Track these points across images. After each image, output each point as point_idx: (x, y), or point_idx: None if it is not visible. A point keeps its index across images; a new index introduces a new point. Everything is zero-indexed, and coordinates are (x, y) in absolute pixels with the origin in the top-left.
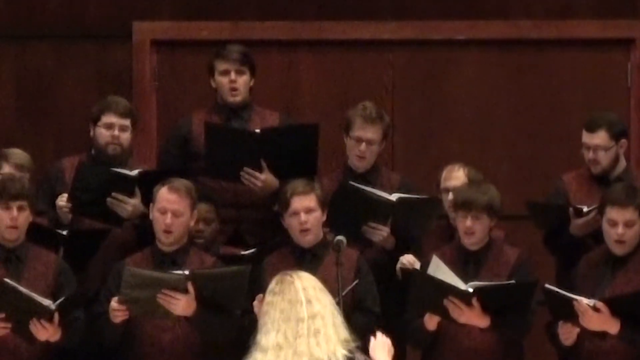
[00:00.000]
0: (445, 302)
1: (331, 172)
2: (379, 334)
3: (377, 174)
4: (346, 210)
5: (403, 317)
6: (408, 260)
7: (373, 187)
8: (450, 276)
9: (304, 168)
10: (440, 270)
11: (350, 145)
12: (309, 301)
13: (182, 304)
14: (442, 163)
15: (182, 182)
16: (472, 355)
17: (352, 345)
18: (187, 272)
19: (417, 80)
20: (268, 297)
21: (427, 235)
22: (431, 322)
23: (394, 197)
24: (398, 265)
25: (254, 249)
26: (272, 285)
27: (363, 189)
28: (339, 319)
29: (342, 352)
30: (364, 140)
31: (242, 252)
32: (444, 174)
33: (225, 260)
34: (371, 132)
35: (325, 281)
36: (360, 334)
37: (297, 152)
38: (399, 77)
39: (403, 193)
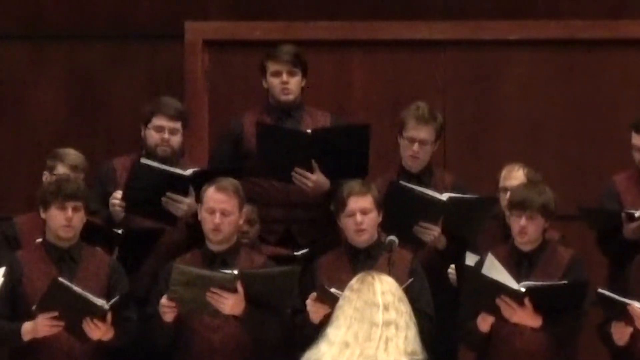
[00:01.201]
0: (498, 301)
1: (384, 172)
2: None
3: (431, 174)
4: (397, 210)
5: (456, 318)
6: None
7: (426, 188)
8: (504, 275)
9: (355, 169)
10: (495, 269)
11: (404, 146)
12: (386, 308)
13: (230, 303)
14: (494, 163)
15: (229, 181)
16: (524, 356)
17: (418, 358)
18: (236, 272)
19: (468, 81)
20: (346, 292)
21: (483, 235)
22: (484, 323)
23: (444, 196)
24: (449, 270)
25: (307, 250)
26: (353, 281)
27: (413, 189)
28: (412, 331)
29: None
30: (417, 141)
31: (295, 253)
32: (503, 173)
33: (276, 260)
34: (424, 132)
35: None
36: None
37: (349, 153)
38: (451, 77)
39: (456, 193)
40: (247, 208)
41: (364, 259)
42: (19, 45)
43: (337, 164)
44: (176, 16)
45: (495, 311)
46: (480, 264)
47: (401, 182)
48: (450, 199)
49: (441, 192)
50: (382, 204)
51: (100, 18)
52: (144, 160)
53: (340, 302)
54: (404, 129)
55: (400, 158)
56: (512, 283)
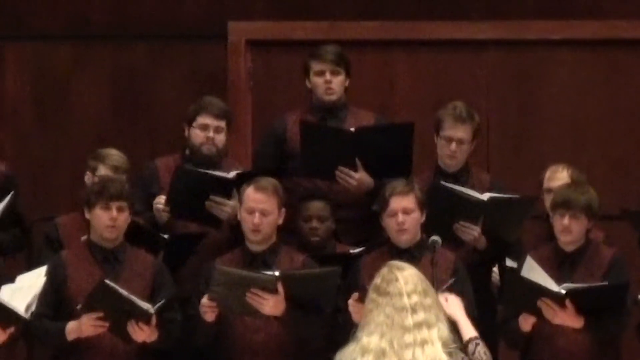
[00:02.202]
0: (539, 303)
1: (422, 172)
2: (451, 295)
3: (468, 174)
4: (437, 209)
5: (497, 318)
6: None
7: (464, 187)
8: (543, 277)
9: (398, 167)
10: (534, 271)
11: (441, 145)
12: (414, 310)
13: (271, 304)
14: (537, 163)
15: (268, 181)
16: (567, 356)
17: (452, 346)
18: (277, 273)
19: (511, 80)
20: (372, 294)
21: (527, 236)
22: (526, 323)
23: (485, 196)
24: (494, 270)
25: (363, 248)
26: (378, 280)
27: (454, 188)
28: (443, 322)
29: (444, 358)
30: (454, 140)
31: (352, 251)
32: (548, 174)
33: (317, 259)
34: (461, 132)
35: None
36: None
37: (392, 151)
38: (493, 77)
39: (494, 193)
40: (318, 204)
41: (406, 259)
42: (63, 46)
43: (381, 162)
44: (219, 16)
45: (536, 312)
46: (522, 264)
47: (442, 182)
48: (490, 199)
49: (479, 192)
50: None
51: (143, 18)
52: (186, 166)
53: (370, 305)
54: (441, 128)
55: (436, 157)
56: (552, 285)
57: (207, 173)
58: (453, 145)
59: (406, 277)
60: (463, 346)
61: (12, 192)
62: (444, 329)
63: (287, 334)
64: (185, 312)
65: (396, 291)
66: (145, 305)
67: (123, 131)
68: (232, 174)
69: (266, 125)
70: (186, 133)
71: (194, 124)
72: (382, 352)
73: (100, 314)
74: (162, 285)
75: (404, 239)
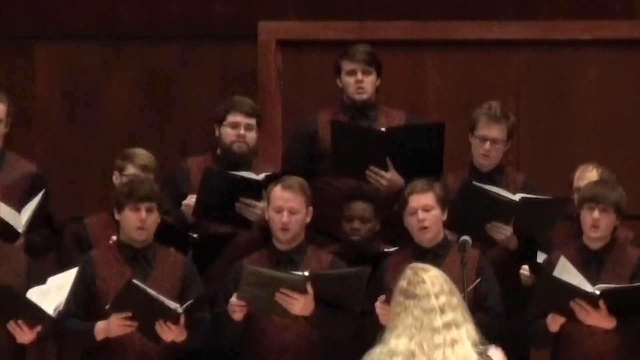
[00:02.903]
0: (572, 303)
1: (456, 171)
2: (497, 350)
3: (502, 173)
4: (469, 209)
5: (525, 316)
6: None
7: (497, 187)
8: (577, 278)
9: (430, 167)
10: (567, 272)
11: (476, 144)
12: (442, 310)
13: (300, 304)
14: (567, 163)
15: (295, 180)
16: (595, 357)
17: (481, 347)
18: (306, 273)
19: (542, 81)
20: (399, 297)
21: (555, 235)
22: (554, 323)
23: (517, 197)
24: (522, 270)
25: (397, 247)
26: (404, 284)
27: (486, 189)
28: (469, 321)
29: (474, 357)
30: (489, 139)
31: (386, 250)
32: (577, 173)
33: (343, 258)
34: (496, 131)
35: None
36: (483, 333)
37: (423, 151)
38: (524, 77)
39: (527, 193)
40: (362, 205)
41: (430, 259)
42: (92, 46)
43: (412, 162)
44: (249, 16)
45: (567, 313)
46: (548, 263)
47: (474, 182)
48: (522, 199)
49: (512, 192)
50: (448, 202)
51: (173, 18)
52: (215, 168)
53: (397, 308)
54: (476, 127)
55: (471, 157)
56: (586, 286)
57: (236, 175)
58: (487, 145)
59: (432, 278)
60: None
61: (42, 192)
62: (471, 329)
63: (316, 333)
64: (213, 311)
65: (423, 293)
66: (174, 305)
67: (153, 131)
68: (261, 176)
69: (296, 125)
70: (217, 133)
71: (225, 123)
72: (412, 354)
73: (129, 314)
74: (191, 284)
75: (426, 238)
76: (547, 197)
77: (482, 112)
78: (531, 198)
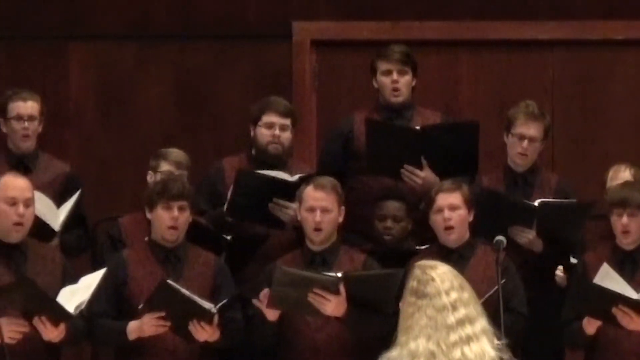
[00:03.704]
0: (615, 310)
1: (490, 172)
2: None
3: (537, 174)
4: (491, 213)
5: (560, 318)
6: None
7: (532, 189)
8: (620, 284)
9: (464, 166)
10: (610, 278)
11: (512, 143)
12: (454, 307)
13: (332, 305)
14: (602, 163)
15: (327, 179)
16: (632, 357)
17: (498, 342)
18: (339, 275)
19: (576, 81)
20: (410, 298)
21: (589, 235)
22: (591, 327)
23: (536, 202)
24: (557, 272)
25: (429, 245)
26: (414, 284)
27: (503, 194)
28: (482, 315)
29: (492, 353)
30: (526, 138)
31: (417, 247)
32: (610, 174)
33: (376, 257)
34: (534, 129)
35: (471, 282)
36: (507, 334)
37: (458, 150)
38: (558, 77)
39: (560, 195)
40: (394, 204)
41: (455, 259)
42: (126, 46)
43: (447, 161)
44: (284, 16)
45: (607, 317)
46: (582, 265)
47: (490, 188)
48: (541, 204)
49: (546, 193)
50: (475, 204)
51: (207, 18)
52: (248, 169)
53: (410, 308)
54: (513, 125)
55: (506, 157)
56: (630, 292)
57: (268, 176)
58: (525, 143)
59: (441, 275)
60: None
61: (78, 192)
62: (484, 322)
63: (349, 334)
64: (246, 312)
65: (434, 291)
66: (207, 305)
67: (187, 131)
68: (294, 177)
69: (331, 126)
70: (252, 133)
71: (260, 123)
72: (432, 355)
73: (162, 314)
74: (223, 284)
75: (452, 238)
76: (568, 202)
77: (519, 110)
78: (551, 203)
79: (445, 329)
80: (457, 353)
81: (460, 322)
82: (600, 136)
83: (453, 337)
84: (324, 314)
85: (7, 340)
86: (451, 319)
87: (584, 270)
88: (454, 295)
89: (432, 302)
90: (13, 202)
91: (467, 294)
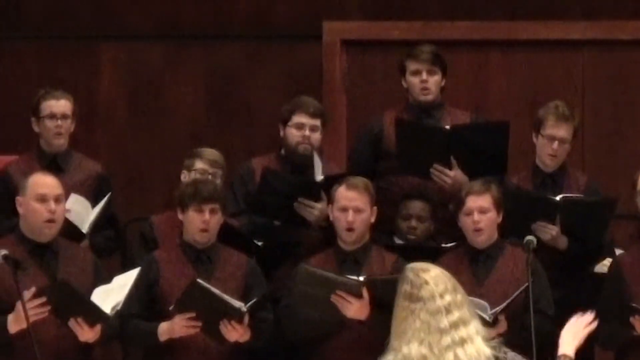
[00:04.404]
0: None
1: (519, 172)
2: (577, 319)
3: (565, 174)
4: (514, 210)
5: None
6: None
7: (560, 188)
8: None
9: (493, 166)
10: None
11: (542, 144)
12: (448, 310)
13: (355, 308)
14: (632, 164)
15: (359, 179)
16: None
17: (493, 342)
18: (361, 278)
19: (606, 81)
20: (404, 302)
21: (620, 235)
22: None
23: (558, 196)
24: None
25: (455, 243)
26: (407, 288)
27: (526, 190)
28: (476, 317)
29: (487, 352)
30: (557, 139)
31: (443, 245)
32: None
33: (403, 256)
34: (564, 130)
35: (499, 282)
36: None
37: (487, 150)
38: (589, 77)
39: (589, 195)
40: (419, 204)
41: (483, 260)
42: (157, 46)
43: (476, 160)
44: (314, 16)
45: None
46: (615, 265)
47: (511, 182)
48: (564, 199)
49: (574, 193)
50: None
51: (238, 18)
52: (273, 168)
53: (403, 312)
54: (543, 127)
55: (534, 157)
56: None
57: (293, 176)
58: (555, 145)
59: (434, 278)
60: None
61: (108, 195)
62: (478, 324)
63: (373, 336)
64: (276, 312)
65: (428, 295)
66: (238, 304)
67: (218, 131)
68: (319, 177)
69: (361, 125)
70: (281, 133)
71: (290, 124)
72: (424, 358)
73: (193, 314)
74: (255, 285)
75: (480, 240)
76: (591, 199)
77: (549, 111)
78: (574, 198)
79: (438, 333)
80: (449, 356)
81: (454, 325)
82: (631, 135)
83: (446, 340)
84: (346, 316)
85: (32, 318)
86: (444, 322)
87: (618, 271)
88: (447, 298)
89: (426, 305)
90: (43, 199)
91: (460, 295)
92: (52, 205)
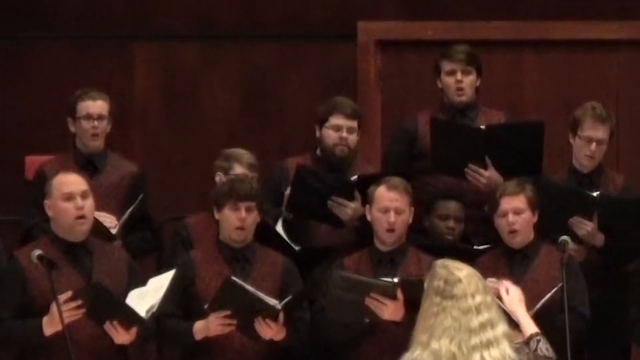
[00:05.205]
0: None
1: (555, 172)
2: (512, 288)
3: (601, 174)
4: (551, 206)
5: (629, 317)
6: None
7: (597, 189)
8: None
9: (528, 166)
10: None
11: (579, 145)
12: (478, 310)
13: (390, 310)
14: None
15: (398, 180)
16: None
17: (517, 342)
18: (395, 280)
19: None
20: (435, 298)
21: None
22: None
23: (595, 192)
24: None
25: (488, 245)
26: (440, 284)
27: (563, 186)
28: (502, 319)
29: (513, 355)
30: (594, 140)
31: (475, 247)
32: None
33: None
34: (602, 132)
35: (536, 282)
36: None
37: (522, 150)
38: (624, 77)
39: (626, 194)
40: (454, 205)
41: (519, 260)
42: (191, 46)
43: (511, 160)
44: (349, 16)
45: None
46: None
47: (545, 176)
48: (601, 195)
49: (611, 192)
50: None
51: (272, 18)
52: (308, 166)
53: (434, 308)
54: (580, 128)
55: (570, 158)
56: None
57: (327, 174)
58: (593, 146)
59: (467, 277)
60: (524, 342)
61: (141, 196)
62: (505, 326)
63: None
64: (313, 311)
65: (461, 293)
66: (272, 301)
67: (252, 130)
68: (353, 177)
69: (395, 126)
70: (317, 133)
71: (327, 125)
72: (453, 356)
73: (228, 313)
74: (291, 284)
75: (516, 241)
76: (630, 197)
77: (586, 112)
78: (611, 196)
79: (468, 332)
80: (476, 356)
81: (483, 326)
82: None
83: (474, 340)
84: (381, 318)
85: (67, 319)
86: (475, 322)
87: None
88: (479, 298)
89: (458, 303)
90: (70, 197)
91: (490, 297)
92: (79, 201)
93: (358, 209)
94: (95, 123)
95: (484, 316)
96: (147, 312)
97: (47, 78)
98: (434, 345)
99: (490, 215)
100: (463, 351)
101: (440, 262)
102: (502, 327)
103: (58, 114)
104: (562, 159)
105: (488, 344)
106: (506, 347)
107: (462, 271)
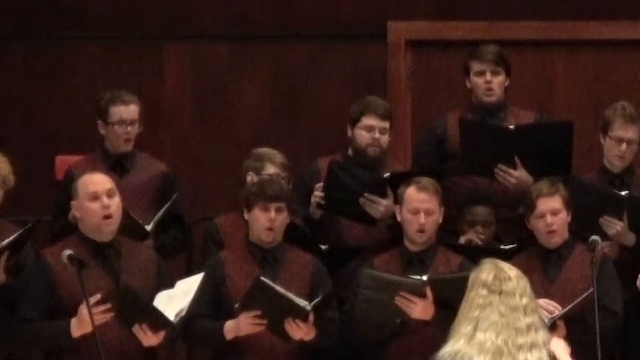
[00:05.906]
0: None
1: (586, 172)
2: (560, 341)
3: (632, 174)
4: (580, 206)
5: None
6: None
7: (628, 188)
8: None
9: (558, 166)
10: None
11: (610, 145)
12: (525, 311)
13: (419, 308)
14: None
15: (428, 180)
16: None
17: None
18: (424, 278)
19: None
20: (482, 290)
21: None
22: None
23: (624, 192)
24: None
25: (515, 245)
26: (489, 278)
27: (592, 185)
28: (543, 322)
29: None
30: (625, 140)
31: (502, 247)
32: None
33: (468, 255)
34: (632, 132)
35: (569, 281)
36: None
37: (552, 150)
38: None
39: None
40: (484, 210)
41: (554, 260)
42: (222, 45)
43: (540, 160)
44: (379, 16)
45: None
46: None
47: (577, 176)
48: (628, 195)
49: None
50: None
51: (303, 18)
52: (340, 162)
53: (480, 300)
54: (610, 128)
55: (601, 158)
56: None
57: (359, 170)
58: (624, 146)
59: (517, 277)
60: None
61: (175, 195)
62: (546, 334)
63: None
64: (343, 311)
65: (510, 290)
66: (302, 302)
67: (283, 130)
68: (386, 174)
69: (425, 126)
70: (349, 133)
71: (359, 125)
72: (499, 352)
73: (258, 312)
74: (321, 284)
75: (554, 241)
76: None
77: (617, 112)
78: (638, 195)
79: (515, 330)
80: (521, 356)
81: (529, 327)
82: None
83: (521, 339)
84: (411, 316)
85: (96, 322)
86: (522, 322)
87: None
88: (525, 300)
89: (506, 299)
90: (96, 197)
91: (534, 303)
92: (105, 200)
93: (390, 206)
94: (129, 129)
95: (530, 318)
96: (176, 315)
97: (78, 78)
98: (480, 337)
99: (523, 217)
100: (510, 348)
101: (489, 259)
102: (543, 334)
103: (89, 114)
104: (591, 158)
105: (532, 346)
106: (544, 355)
107: (512, 270)
